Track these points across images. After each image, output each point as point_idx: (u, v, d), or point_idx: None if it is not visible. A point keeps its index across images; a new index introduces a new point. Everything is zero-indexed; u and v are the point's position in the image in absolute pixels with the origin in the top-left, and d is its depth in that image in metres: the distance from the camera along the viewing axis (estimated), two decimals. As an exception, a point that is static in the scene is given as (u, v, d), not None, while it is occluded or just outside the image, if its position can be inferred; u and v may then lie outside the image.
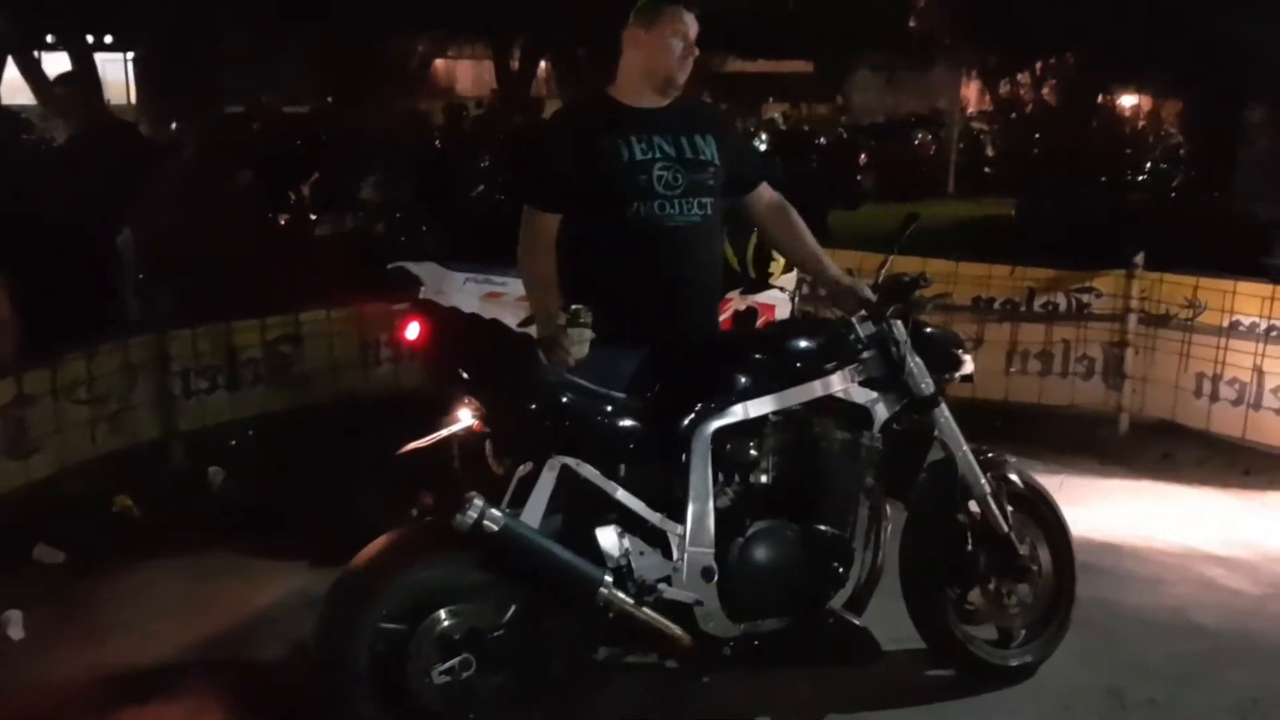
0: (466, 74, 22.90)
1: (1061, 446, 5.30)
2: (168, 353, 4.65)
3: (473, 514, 2.56)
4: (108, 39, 14.18)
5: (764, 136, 14.72)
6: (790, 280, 5.00)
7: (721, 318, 4.67)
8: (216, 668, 3.25)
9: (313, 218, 8.78)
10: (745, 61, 21.00)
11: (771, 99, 21.28)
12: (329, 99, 16.15)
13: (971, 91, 19.03)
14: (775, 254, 4.80)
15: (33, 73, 11.34)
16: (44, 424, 4.12)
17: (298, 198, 9.50)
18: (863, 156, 15.60)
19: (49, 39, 12.47)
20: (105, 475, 4.37)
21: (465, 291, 3.99)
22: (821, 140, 16.04)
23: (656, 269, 2.99)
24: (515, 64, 17.57)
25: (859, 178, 15.00)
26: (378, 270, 4.29)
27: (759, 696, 3.09)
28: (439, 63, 22.99)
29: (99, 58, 12.86)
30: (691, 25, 3.05)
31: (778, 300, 4.73)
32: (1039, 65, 11.59)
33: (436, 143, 12.32)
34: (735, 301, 4.77)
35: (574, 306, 2.80)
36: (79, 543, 3.97)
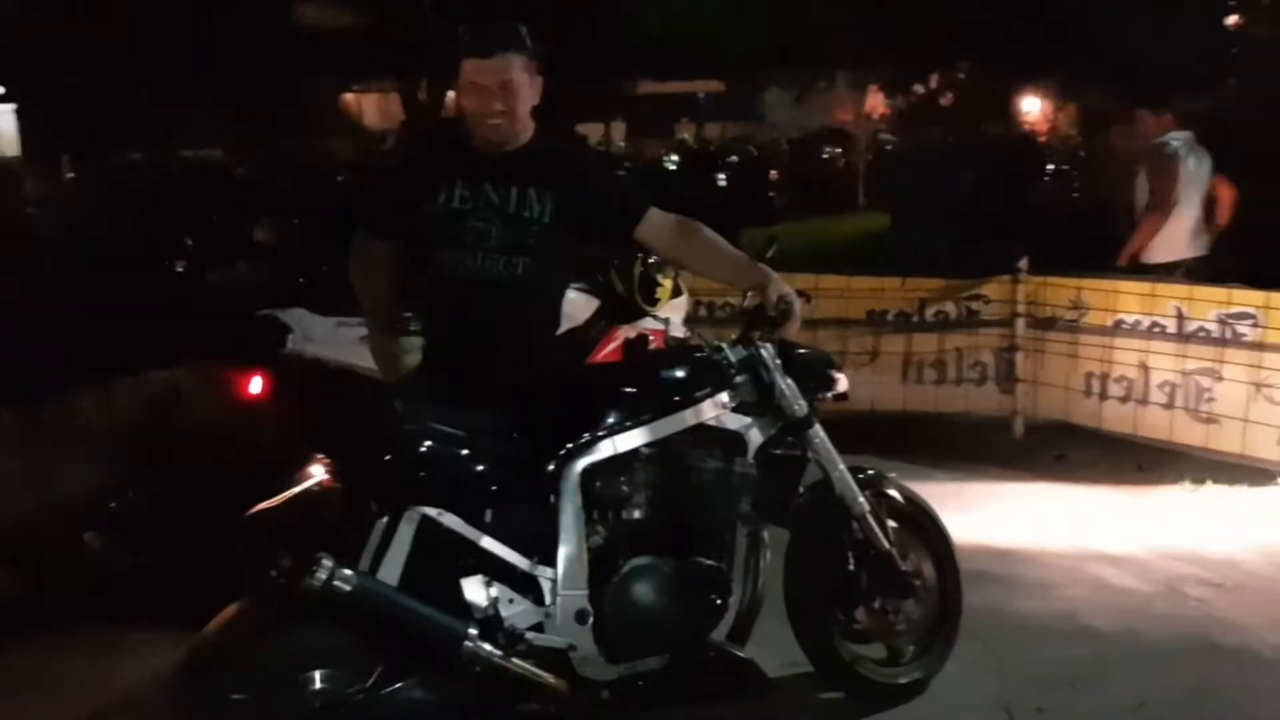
0: (373, 107, 22.66)
1: (959, 454, 5.35)
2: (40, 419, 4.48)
3: (322, 575, 2.46)
4: None
5: (674, 157, 14.78)
6: (680, 305, 4.97)
7: (611, 347, 4.68)
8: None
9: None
10: (656, 83, 21.16)
11: (684, 119, 21.41)
12: (232, 142, 15.90)
13: (877, 104, 19.31)
14: (661, 279, 4.77)
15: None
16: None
17: (193, 244, 9.30)
18: (774, 173, 15.73)
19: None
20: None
21: (337, 337, 3.88)
22: (734, 158, 16.16)
23: (455, 322, 2.91)
24: (423, 95, 17.44)
25: (771, 194, 15.12)
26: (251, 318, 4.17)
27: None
28: (348, 97, 22.75)
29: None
30: (494, 72, 2.80)
31: (662, 327, 4.69)
32: (935, 76, 11.79)
33: (339, 178, 12.16)
34: (624, 330, 4.72)
35: (405, 314, 2.76)
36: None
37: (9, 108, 14.88)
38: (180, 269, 8.70)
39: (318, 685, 2.54)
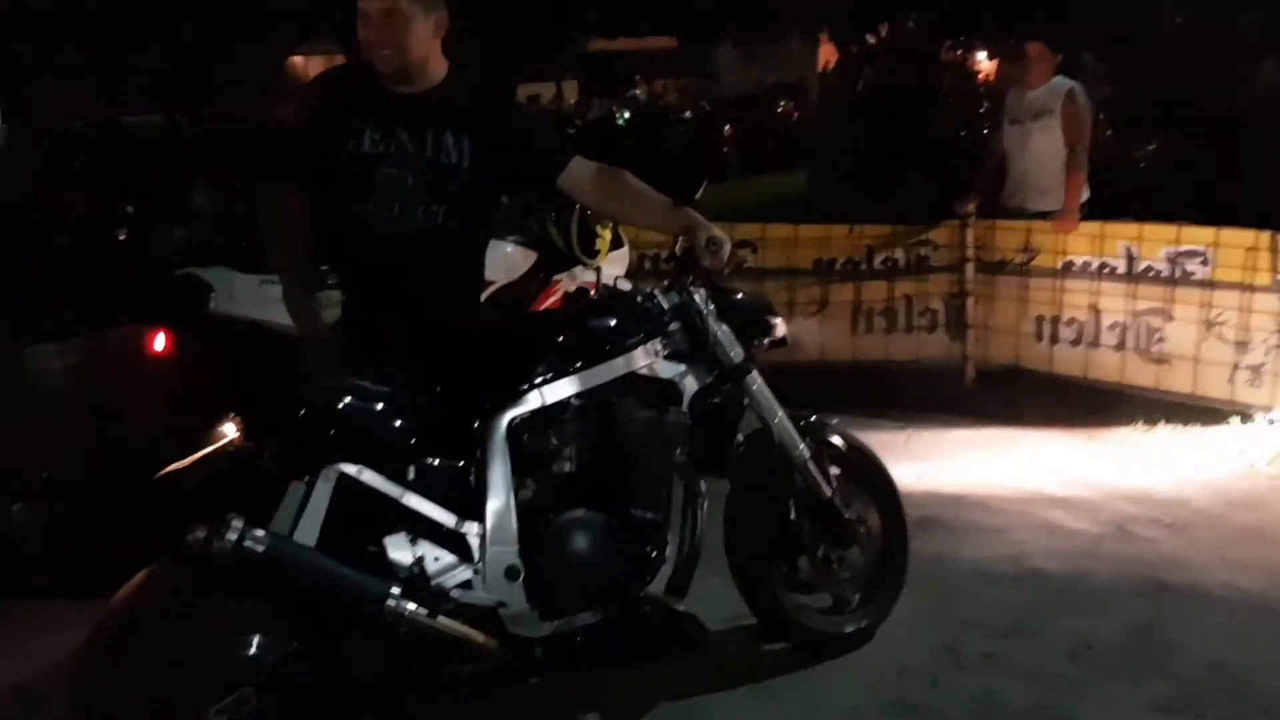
0: (319, 70, 22.22)
1: (909, 402, 5.28)
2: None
3: (232, 536, 2.35)
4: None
5: (625, 113, 14.59)
6: (621, 257, 4.87)
7: (551, 300, 4.57)
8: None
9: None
10: (608, 40, 20.85)
11: (638, 77, 21.12)
12: (173, 107, 15.51)
13: (831, 56, 19.12)
14: (600, 230, 4.66)
15: None
16: None
17: (135, 212, 9.08)
18: (727, 128, 15.57)
19: None
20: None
21: (260, 294, 3.74)
22: (686, 114, 15.97)
23: (372, 275, 2.77)
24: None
25: (725, 149, 14.97)
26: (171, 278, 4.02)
27: (581, 695, 2.94)
28: (295, 60, 22.28)
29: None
30: None
31: (607, 280, 4.58)
32: (883, 27, 11.61)
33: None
34: (564, 282, 4.61)
35: (321, 268, 2.62)
36: None
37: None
38: (123, 237, 8.49)
39: (235, 653, 2.44)
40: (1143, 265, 5.03)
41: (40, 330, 4.69)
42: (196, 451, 2.70)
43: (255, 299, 3.75)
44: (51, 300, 5.04)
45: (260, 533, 2.38)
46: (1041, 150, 5.24)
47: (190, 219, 8.17)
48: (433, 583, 2.59)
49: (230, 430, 2.69)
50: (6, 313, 4.95)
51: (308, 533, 2.50)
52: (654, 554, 2.82)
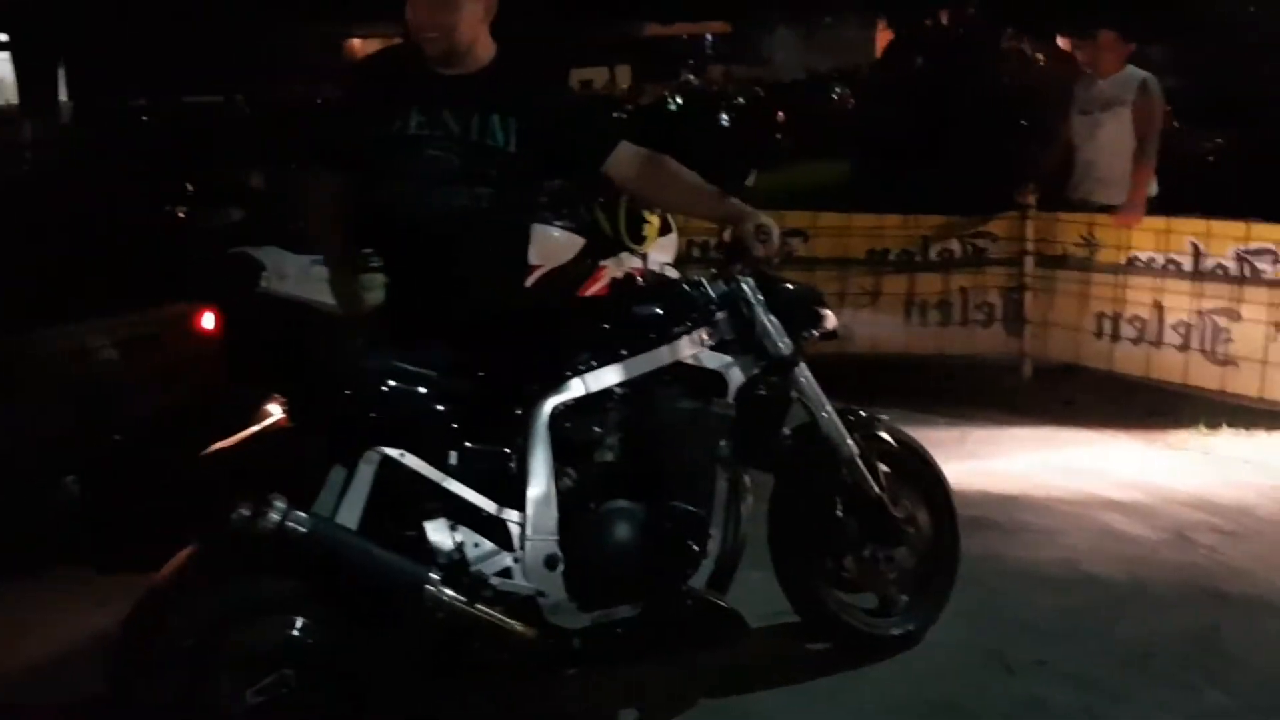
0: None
1: (963, 398, 5.18)
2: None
3: (275, 517, 2.33)
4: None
5: (677, 99, 14.49)
6: (669, 243, 4.81)
7: (597, 286, 4.53)
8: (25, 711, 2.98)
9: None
10: (662, 26, 20.77)
11: (691, 61, 21.02)
12: (233, 88, 15.69)
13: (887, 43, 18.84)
14: (648, 216, 4.61)
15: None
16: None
17: (194, 190, 9.19)
18: (781, 115, 15.43)
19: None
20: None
21: (310, 274, 3.74)
22: (740, 100, 15.84)
23: (415, 258, 2.73)
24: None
25: (778, 136, 14.84)
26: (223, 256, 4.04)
27: (619, 690, 2.89)
28: (354, 43, 22.47)
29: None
30: None
31: (654, 267, 4.54)
32: (942, 13, 11.37)
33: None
34: (610, 269, 4.57)
35: (364, 251, 2.59)
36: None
37: (4, 55, 14.69)
38: (181, 214, 8.61)
39: (270, 633, 2.43)
40: (1210, 262, 4.87)
41: (93, 305, 4.76)
42: (241, 431, 2.71)
43: (306, 279, 3.75)
44: (105, 276, 5.12)
45: (302, 514, 2.36)
46: (1110, 141, 5.09)
47: (246, 198, 8.27)
48: (472, 569, 2.55)
49: (275, 410, 2.69)
50: (60, 287, 5.03)
51: (349, 515, 2.48)
52: (695, 547, 2.77)
